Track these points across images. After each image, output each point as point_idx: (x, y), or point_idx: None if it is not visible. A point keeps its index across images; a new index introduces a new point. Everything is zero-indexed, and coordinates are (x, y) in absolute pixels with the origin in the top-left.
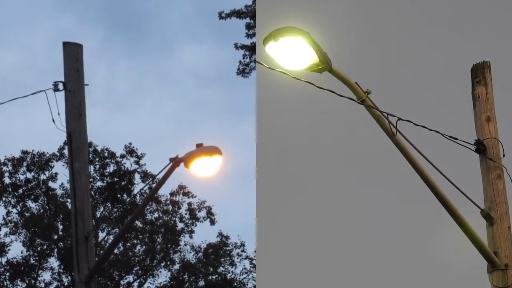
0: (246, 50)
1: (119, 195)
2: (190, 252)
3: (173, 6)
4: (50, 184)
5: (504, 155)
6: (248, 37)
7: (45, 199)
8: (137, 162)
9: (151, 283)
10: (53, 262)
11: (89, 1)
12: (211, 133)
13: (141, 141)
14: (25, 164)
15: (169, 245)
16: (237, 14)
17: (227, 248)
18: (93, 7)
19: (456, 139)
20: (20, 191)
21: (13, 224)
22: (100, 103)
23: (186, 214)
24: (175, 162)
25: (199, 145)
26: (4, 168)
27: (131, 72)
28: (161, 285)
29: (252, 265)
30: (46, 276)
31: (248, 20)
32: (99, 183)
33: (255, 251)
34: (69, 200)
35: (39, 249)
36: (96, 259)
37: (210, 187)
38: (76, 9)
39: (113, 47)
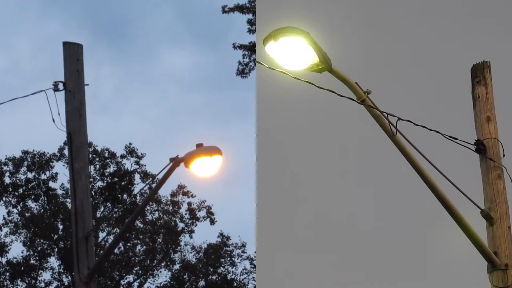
0: (245, 50)
1: (119, 195)
2: (191, 252)
3: (156, 12)
4: (51, 184)
5: (504, 155)
6: (250, 33)
7: (45, 199)
8: (137, 162)
9: (151, 283)
10: (53, 262)
11: (74, 6)
12: (202, 135)
13: (135, 143)
14: (25, 164)
15: (169, 245)
16: (240, 9)
17: (228, 248)
18: (77, 12)
19: (456, 139)
20: (21, 191)
21: (13, 224)
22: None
23: (186, 214)
24: (175, 162)
25: (199, 145)
26: (5, 168)
27: (115, 77)
28: (161, 285)
29: (252, 266)
30: (46, 276)
31: (250, 16)
32: (99, 183)
33: (255, 252)
34: (69, 200)
35: (39, 249)
36: (96, 259)
37: (210, 187)
38: (60, 15)
39: (97, 52)
